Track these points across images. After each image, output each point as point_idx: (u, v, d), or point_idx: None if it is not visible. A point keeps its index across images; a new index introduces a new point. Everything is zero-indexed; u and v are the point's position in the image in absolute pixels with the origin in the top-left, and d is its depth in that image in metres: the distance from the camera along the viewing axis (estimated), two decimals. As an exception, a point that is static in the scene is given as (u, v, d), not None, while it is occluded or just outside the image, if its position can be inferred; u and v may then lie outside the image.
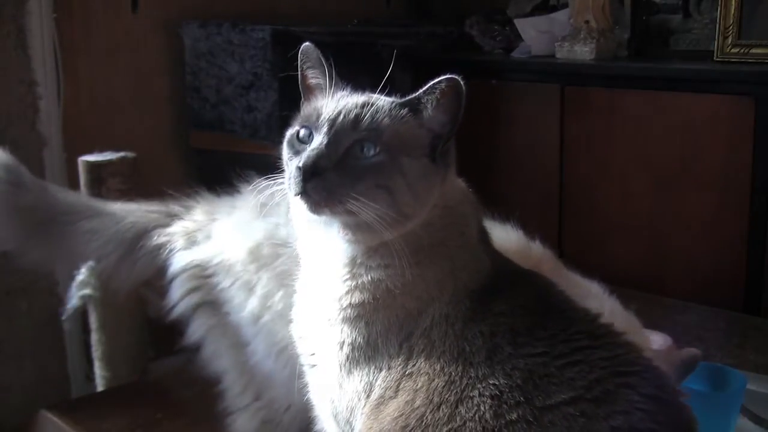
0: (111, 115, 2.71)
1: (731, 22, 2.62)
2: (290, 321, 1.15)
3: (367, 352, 1.01)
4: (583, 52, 2.84)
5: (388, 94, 1.05)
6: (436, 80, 0.98)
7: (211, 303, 1.46)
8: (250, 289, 1.38)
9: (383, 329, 1.01)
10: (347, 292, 1.02)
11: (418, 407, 0.95)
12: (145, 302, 1.74)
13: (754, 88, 2.43)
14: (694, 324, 2.11)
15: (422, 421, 0.94)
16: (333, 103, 1.02)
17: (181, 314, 1.47)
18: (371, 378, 1.00)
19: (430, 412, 0.94)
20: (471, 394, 0.93)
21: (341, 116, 0.99)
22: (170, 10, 2.82)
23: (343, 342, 1.02)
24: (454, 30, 3.28)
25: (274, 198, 1.03)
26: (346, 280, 1.02)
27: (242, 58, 2.63)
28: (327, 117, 0.99)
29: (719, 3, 2.66)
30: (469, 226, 1.06)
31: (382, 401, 0.98)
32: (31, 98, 2.45)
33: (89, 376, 2.31)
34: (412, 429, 0.94)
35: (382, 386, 0.99)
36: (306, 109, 1.05)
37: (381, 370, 1.00)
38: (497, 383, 0.92)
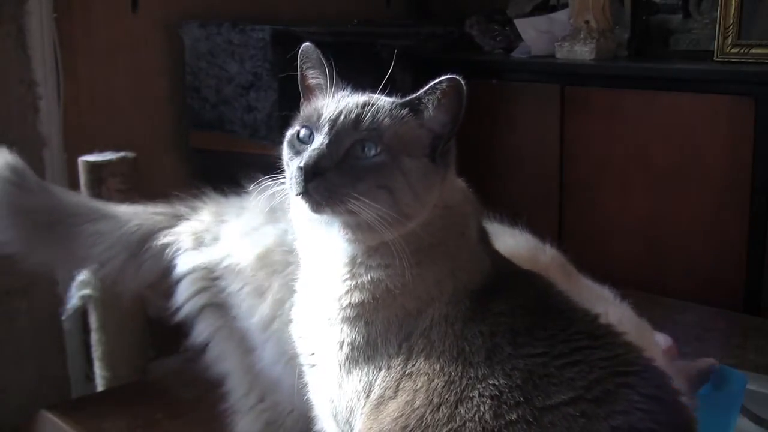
0: (111, 115, 2.71)
1: (731, 22, 2.62)
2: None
3: (366, 351, 1.01)
4: (583, 52, 2.84)
5: (389, 94, 1.05)
6: (437, 80, 0.98)
7: (218, 305, 1.45)
8: (260, 295, 1.37)
9: (383, 329, 1.01)
10: (347, 292, 1.02)
11: (417, 407, 0.95)
12: (146, 302, 1.74)
13: (754, 88, 2.43)
14: (694, 324, 2.11)
15: (422, 422, 0.94)
16: (333, 104, 1.02)
17: (187, 315, 1.46)
18: (371, 378, 1.00)
19: (430, 412, 0.94)
20: (471, 395, 0.93)
21: (342, 116, 0.99)
22: (170, 10, 2.82)
23: (343, 341, 1.02)
24: (454, 30, 3.28)
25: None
26: (346, 279, 1.02)
27: (242, 58, 2.63)
28: (328, 117, 0.99)
29: (719, 3, 2.66)
30: (469, 226, 1.06)
31: (381, 401, 0.98)
32: (31, 98, 2.45)
33: (89, 376, 2.31)
34: (412, 429, 0.94)
35: (382, 386, 0.99)
36: (306, 109, 1.05)
37: (380, 370, 1.00)
38: (497, 383, 0.93)
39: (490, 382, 0.93)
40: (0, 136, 2.34)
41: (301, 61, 1.08)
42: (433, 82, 0.99)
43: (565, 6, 3.05)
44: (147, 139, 2.76)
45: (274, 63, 2.54)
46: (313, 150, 0.96)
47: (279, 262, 1.36)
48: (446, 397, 0.94)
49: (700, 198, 2.56)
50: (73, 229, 1.50)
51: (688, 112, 2.57)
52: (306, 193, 0.95)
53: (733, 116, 2.47)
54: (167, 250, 1.48)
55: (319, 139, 0.98)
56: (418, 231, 1.00)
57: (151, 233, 1.50)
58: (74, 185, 2.06)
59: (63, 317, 1.98)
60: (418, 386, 0.96)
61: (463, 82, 0.97)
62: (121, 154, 2.01)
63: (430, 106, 1.00)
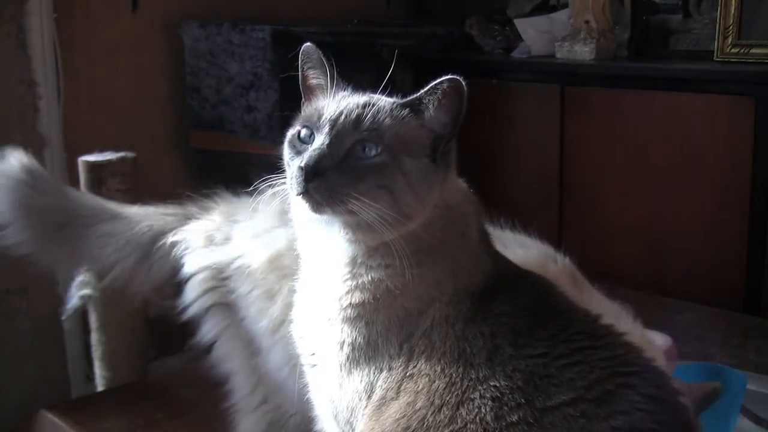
0: (111, 115, 2.71)
1: (731, 22, 2.62)
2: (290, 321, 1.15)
3: (367, 352, 1.01)
4: (583, 52, 2.84)
5: (389, 95, 1.05)
6: (438, 81, 0.98)
7: (226, 305, 1.44)
8: (270, 298, 1.36)
9: (383, 329, 1.01)
10: (347, 292, 1.02)
11: (419, 409, 0.95)
12: (146, 302, 1.74)
13: (754, 88, 2.43)
14: (694, 324, 2.11)
15: (423, 423, 0.94)
16: (334, 104, 1.01)
17: (195, 314, 1.46)
18: (372, 378, 1.00)
19: (432, 414, 0.94)
20: (472, 396, 0.93)
21: (343, 116, 0.99)
22: (170, 10, 2.82)
23: (344, 342, 1.02)
24: (454, 30, 3.29)
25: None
26: (347, 279, 1.02)
27: (242, 58, 2.63)
28: (328, 117, 0.99)
29: (719, 3, 2.66)
30: (470, 226, 1.06)
31: (383, 402, 0.98)
32: (31, 98, 2.45)
33: (89, 376, 2.31)
34: (413, 430, 0.94)
35: (384, 387, 0.99)
36: (307, 109, 1.05)
37: (382, 370, 1.00)
38: (498, 385, 0.92)
39: (491, 383, 0.93)
40: (0, 136, 2.36)
41: (302, 61, 1.08)
42: (433, 83, 0.99)
43: (565, 6, 3.05)
44: (147, 139, 2.76)
45: (274, 63, 2.55)
46: (314, 150, 0.96)
47: (290, 265, 1.34)
48: (447, 398, 0.94)
49: (700, 198, 2.56)
50: (85, 230, 1.51)
51: (688, 112, 2.57)
52: (306, 193, 0.95)
53: (733, 116, 2.47)
54: (176, 249, 1.48)
55: (320, 140, 0.98)
56: (418, 231, 1.00)
57: (162, 233, 1.50)
58: (74, 185, 2.05)
59: (63, 317, 1.98)
60: (420, 387, 0.96)
61: (464, 83, 0.97)
62: (121, 154, 2.01)
63: (430, 106, 1.00)
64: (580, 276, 1.39)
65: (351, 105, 1.00)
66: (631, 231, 2.72)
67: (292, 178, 0.97)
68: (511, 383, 0.92)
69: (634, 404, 0.90)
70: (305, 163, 0.95)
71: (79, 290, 1.87)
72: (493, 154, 3.00)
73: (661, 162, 2.64)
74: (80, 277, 1.84)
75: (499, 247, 1.15)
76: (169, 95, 2.89)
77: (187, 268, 1.46)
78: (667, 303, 2.28)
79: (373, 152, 0.97)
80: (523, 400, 0.91)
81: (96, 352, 2.05)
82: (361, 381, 1.01)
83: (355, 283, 1.02)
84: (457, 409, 0.93)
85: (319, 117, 1.00)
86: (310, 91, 1.08)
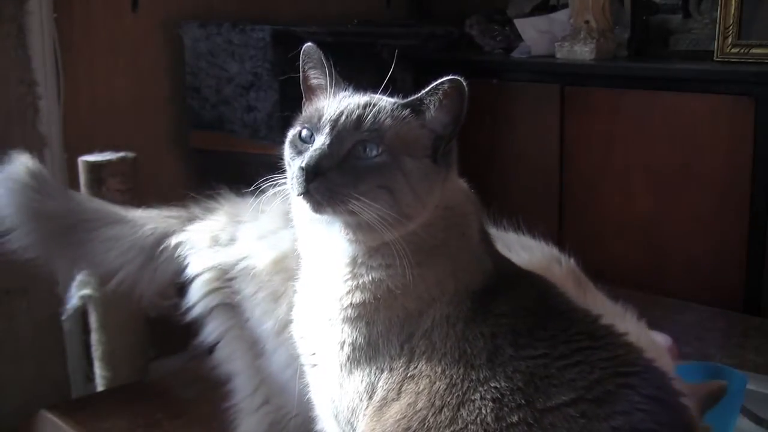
0: (111, 115, 2.71)
1: (731, 22, 2.62)
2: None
3: (368, 352, 1.01)
4: (583, 52, 2.84)
5: (389, 95, 1.05)
6: (439, 81, 0.98)
7: (230, 306, 1.44)
8: (275, 300, 1.36)
9: (384, 329, 1.01)
10: (348, 292, 1.02)
11: (420, 410, 0.95)
12: (150, 304, 1.74)
13: (754, 88, 2.43)
14: (694, 324, 2.11)
15: (424, 424, 0.94)
16: (335, 104, 1.01)
17: (198, 315, 1.46)
18: (373, 379, 1.00)
19: (432, 414, 0.94)
20: (472, 397, 0.93)
21: (343, 117, 0.99)
22: (170, 10, 2.82)
23: (344, 342, 1.02)
24: (454, 30, 3.28)
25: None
26: (347, 279, 1.02)
27: (242, 58, 2.63)
28: (329, 118, 0.99)
29: (719, 3, 2.66)
30: (470, 226, 1.06)
31: (384, 403, 0.98)
32: (31, 98, 2.44)
33: (89, 376, 2.31)
34: (414, 431, 0.94)
35: (385, 388, 0.99)
36: (308, 109, 1.05)
37: (383, 371, 1.00)
38: (498, 386, 0.93)
39: (492, 384, 0.93)
40: (0, 136, 2.36)
41: (302, 61, 1.08)
42: (434, 83, 0.99)
43: (565, 6, 3.05)
44: (147, 139, 2.76)
45: (274, 63, 2.55)
46: (315, 150, 0.96)
47: (295, 268, 1.35)
48: (448, 399, 0.94)
49: (700, 198, 2.56)
50: (90, 234, 1.51)
51: (688, 112, 2.57)
52: (307, 193, 0.95)
53: (733, 116, 2.47)
54: (180, 249, 1.48)
55: (321, 140, 0.98)
56: (419, 231, 1.00)
57: (166, 235, 1.50)
58: (74, 185, 2.06)
59: (63, 317, 1.98)
60: (420, 388, 0.96)
61: (464, 83, 0.97)
62: (121, 154, 2.01)
63: (431, 106, 1.00)
64: (584, 277, 1.38)
65: (352, 105, 1.00)
66: (631, 231, 2.72)
67: (292, 178, 0.97)
68: (511, 384, 0.92)
69: (634, 404, 0.90)
70: (306, 163, 0.95)
71: (79, 290, 1.87)
72: (493, 154, 3.00)
73: (661, 162, 2.64)
74: (80, 277, 1.85)
75: (502, 249, 1.15)
76: (169, 95, 2.89)
77: (192, 268, 1.46)
78: (667, 303, 2.28)
79: (374, 152, 0.97)
80: (523, 401, 0.91)
81: (96, 352, 2.05)
82: (362, 381, 1.01)
83: (355, 283, 1.02)
84: (458, 410, 0.93)
85: (320, 117, 1.00)
86: (311, 91, 1.08)
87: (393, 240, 0.97)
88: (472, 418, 0.92)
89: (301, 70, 1.08)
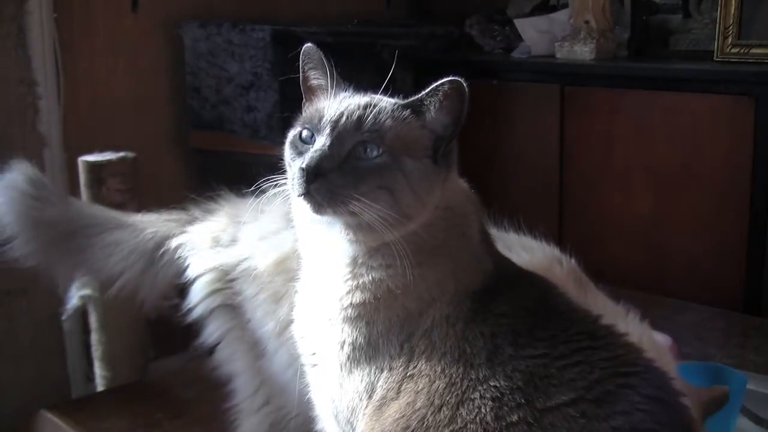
0: (111, 115, 2.71)
1: (731, 22, 2.62)
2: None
3: (368, 352, 1.01)
4: (583, 52, 2.84)
5: (389, 95, 1.05)
6: (439, 82, 0.98)
7: (231, 307, 1.44)
8: (277, 301, 1.36)
9: (384, 329, 1.01)
10: (348, 292, 1.02)
11: (419, 409, 0.95)
12: (153, 307, 1.74)
13: (754, 88, 2.43)
14: (694, 324, 2.11)
15: (423, 423, 0.94)
16: (335, 104, 1.01)
17: (200, 316, 1.46)
18: (372, 378, 1.00)
19: (432, 414, 0.94)
20: (472, 396, 0.93)
21: (344, 117, 0.99)
22: (170, 10, 2.82)
23: (344, 341, 1.02)
24: (454, 30, 3.28)
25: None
26: (348, 279, 1.02)
27: (242, 58, 2.63)
28: (329, 118, 0.99)
29: (719, 3, 2.66)
30: (471, 226, 1.06)
31: (383, 402, 0.98)
32: (31, 98, 2.45)
33: (89, 376, 2.31)
34: (413, 430, 0.94)
35: (384, 387, 0.99)
36: (308, 110, 1.05)
37: (382, 370, 1.00)
38: (498, 385, 0.93)
39: (492, 383, 0.93)
40: (0, 136, 2.36)
41: (302, 61, 1.08)
42: (435, 84, 0.99)
43: (565, 6, 3.05)
44: (147, 139, 2.76)
45: (274, 63, 2.55)
46: (315, 151, 0.96)
47: (296, 269, 1.35)
48: (447, 398, 0.94)
49: (700, 198, 2.56)
50: (90, 240, 1.51)
51: (688, 112, 2.57)
52: (308, 194, 0.95)
53: (733, 116, 2.47)
54: (180, 251, 1.48)
55: (321, 141, 0.98)
56: (419, 231, 1.00)
57: (166, 239, 1.50)
58: (74, 185, 2.06)
59: (63, 317, 1.98)
60: (420, 388, 0.96)
61: (465, 84, 0.97)
62: (121, 154, 2.01)
63: (432, 107, 1.00)
64: (585, 278, 1.38)
65: (352, 106, 1.00)
66: (631, 231, 2.72)
67: (293, 179, 0.97)
68: (511, 383, 0.92)
69: (634, 405, 0.90)
70: (306, 164, 0.95)
71: (79, 290, 1.87)
72: (493, 154, 3.00)
73: (661, 162, 2.64)
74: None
75: (503, 249, 1.15)
76: (169, 95, 2.89)
77: (193, 269, 1.46)
78: (667, 303, 2.28)
79: (375, 153, 0.97)
80: (523, 401, 0.91)
81: (96, 352, 2.05)
82: (362, 381, 1.01)
83: (355, 283, 1.02)
84: (457, 409, 0.93)
85: (320, 118, 1.00)
86: (311, 92, 1.08)
87: (393, 240, 0.97)
88: (472, 417, 0.92)
89: (301, 71, 1.08)
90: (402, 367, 0.99)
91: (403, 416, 0.96)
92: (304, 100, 1.09)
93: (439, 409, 0.94)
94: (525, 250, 1.37)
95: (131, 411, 1.78)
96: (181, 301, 1.47)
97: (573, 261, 1.40)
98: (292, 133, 1.04)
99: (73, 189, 2.01)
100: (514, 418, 0.90)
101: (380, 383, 0.99)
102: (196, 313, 1.45)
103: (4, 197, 1.49)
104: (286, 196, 1.02)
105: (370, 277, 1.01)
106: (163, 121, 2.89)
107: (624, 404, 0.90)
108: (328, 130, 0.98)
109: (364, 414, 1.00)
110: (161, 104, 2.87)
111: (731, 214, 2.49)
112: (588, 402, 0.90)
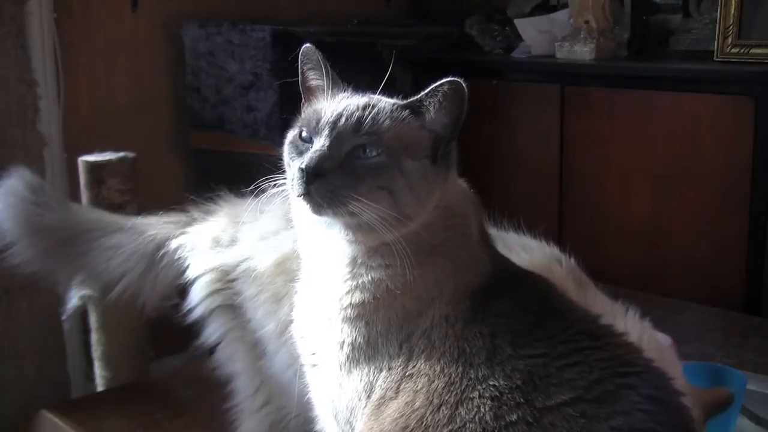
0: (111, 115, 2.71)
1: (731, 22, 2.62)
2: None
3: (367, 351, 1.01)
4: (583, 52, 2.85)
5: (389, 95, 1.05)
6: (439, 83, 0.98)
7: (231, 307, 1.43)
8: (277, 301, 1.35)
9: (383, 329, 1.01)
10: (348, 292, 1.02)
11: (418, 408, 0.95)
12: (155, 309, 1.74)
13: (754, 88, 2.43)
14: (694, 324, 2.11)
15: (422, 422, 0.94)
16: (334, 105, 1.01)
17: (200, 316, 1.46)
18: (371, 378, 1.00)
19: (431, 413, 0.94)
20: (471, 396, 0.93)
21: (343, 118, 0.99)
22: (170, 10, 2.83)
23: (343, 341, 1.02)
24: (454, 30, 3.29)
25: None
26: (347, 279, 1.02)
27: (242, 58, 2.63)
28: (328, 120, 0.99)
29: (719, 3, 2.66)
30: (470, 226, 1.06)
31: (382, 402, 0.98)
32: (31, 98, 2.44)
33: (89, 376, 2.31)
34: (412, 430, 0.94)
35: (383, 387, 0.99)
36: (307, 110, 1.05)
37: (381, 370, 1.00)
38: (497, 384, 0.93)
39: (491, 383, 0.93)
40: (0, 136, 2.36)
41: (301, 62, 1.08)
42: (434, 85, 0.98)
43: (565, 6, 3.05)
44: (147, 139, 2.76)
45: (274, 63, 2.55)
46: (315, 152, 0.96)
47: (297, 270, 1.34)
48: (446, 398, 0.94)
49: (700, 198, 2.56)
50: (90, 245, 1.51)
51: (688, 112, 2.57)
52: (308, 194, 0.95)
53: (733, 116, 2.47)
54: (180, 252, 1.48)
55: (321, 141, 0.98)
56: (419, 231, 1.00)
57: (166, 240, 1.50)
58: (74, 185, 2.06)
59: (63, 317, 1.97)
60: (419, 387, 0.96)
61: (464, 85, 0.97)
62: (121, 154, 2.01)
63: (431, 108, 1.00)
64: (585, 277, 1.38)
65: (351, 107, 1.00)
66: (631, 231, 2.72)
67: (293, 180, 0.97)
68: (510, 383, 0.92)
69: (634, 404, 0.90)
70: (306, 165, 0.95)
71: (78, 290, 1.87)
72: (493, 154, 3.00)
73: (661, 162, 2.64)
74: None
75: (502, 249, 1.15)
76: (169, 95, 2.89)
77: (193, 270, 1.46)
78: (667, 303, 2.28)
79: (374, 153, 0.97)
80: (522, 400, 0.91)
81: (96, 352, 2.05)
82: (361, 380, 1.01)
83: (355, 283, 1.02)
84: (456, 408, 0.93)
85: (319, 119, 1.00)
86: (310, 92, 1.08)
87: (393, 240, 0.97)
88: (471, 416, 0.92)
89: (299, 71, 1.08)
90: (401, 367, 0.99)
91: (402, 416, 0.96)
92: (302, 100, 1.09)
93: (438, 409, 0.94)
94: (524, 250, 1.37)
95: (131, 411, 1.78)
96: (182, 302, 1.47)
97: (572, 261, 1.39)
98: (291, 134, 1.04)
99: (73, 189, 2.02)
100: (513, 417, 0.90)
101: (379, 383, 0.99)
102: (196, 314, 1.45)
103: (4, 203, 1.50)
104: (286, 196, 1.02)
105: (370, 277, 1.01)
106: (163, 121, 2.89)
107: (623, 404, 0.90)
108: (327, 131, 0.98)
109: (363, 414, 1.00)
110: (161, 104, 2.88)
111: (731, 214, 2.49)
112: (587, 402, 0.90)
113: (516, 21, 3.17)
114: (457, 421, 0.92)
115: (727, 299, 2.46)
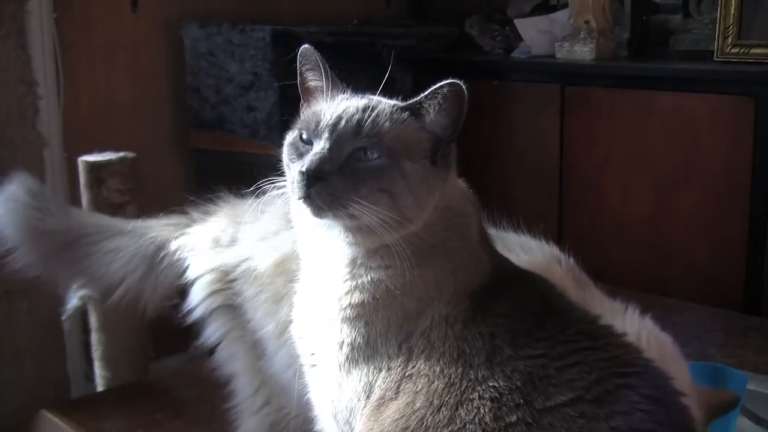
0: (111, 115, 2.71)
1: (731, 22, 2.62)
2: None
3: (366, 352, 1.01)
4: (583, 52, 2.84)
5: (389, 95, 1.05)
6: (439, 85, 0.98)
7: (231, 307, 1.44)
8: (277, 301, 1.35)
9: (383, 329, 1.01)
10: (347, 292, 1.02)
11: (418, 409, 0.95)
12: (156, 311, 1.74)
13: (754, 88, 2.43)
14: (694, 324, 2.11)
15: (422, 423, 0.94)
16: (334, 107, 1.01)
17: (200, 317, 1.46)
18: (371, 378, 1.00)
19: (430, 414, 0.94)
20: (471, 397, 0.93)
21: (343, 121, 0.99)
22: (170, 10, 2.82)
23: (343, 342, 1.02)
24: (454, 30, 3.28)
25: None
26: (347, 280, 1.02)
27: (242, 58, 2.63)
28: (328, 122, 0.99)
29: (719, 3, 2.66)
30: (470, 226, 1.06)
31: (382, 402, 0.98)
32: (31, 98, 2.45)
33: (89, 376, 2.31)
34: (412, 431, 0.94)
35: (383, 387, 0.99)
36: (306, 112, 1.05)
37: (381, 370, 1.00)
38: (497, 385, 0.93)
39: (490, 384, 0.93)
40: (0, 136, 2.36)
41: (300, 63, 1.07)
42: (434, 87, 0.98)
43: (565, 6, 3.05)
44: (147, 139, 2.76)
45: (274, 63, 2.55)
46: (315, 154, 0.96)
47: (296, 270, 1.34)
48: (446, 399, 0.94)
49: (700, 198, 2.56)
50: (91, 248, 1.52)
51: (688, 112, 2.57)
52: (308, 197, 0.95)
53: (733, 116, 2.47)
54: (180, 252, 1.48)
55: (321, 144, 0.98)
56: (419, 232, 1.00)
57: (166, 242, 1.50)
58: (74, 185, 2.06)
59: (63, 317, 1.98)
60: (419, 388, 0.96)
61: (464, 87, 0.97)
62: (121, 154, 2.01)
63: (431, 110, 0.99)
64: (584, 277, 1.38)
65: (351, 109, 1.00)
66: (631, 231, 2.72)
67: (293, 182, 0.96)
68: (510, 384, 0.92)
69: (633, 405, 0.90)
70: (307, 168, 0.94)
71: (78, 290, 1.87)
72: (493, 154, 3.00)
73: (661, 162, 2.64)
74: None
75: (502, 249, 1.15)
76: (169, 95, 2.89)
77: (193, 270, 1.46)
78: (667, 303, 2.28)
79: (374, 155, 0.97)
80: (522, 401, 0.91)
81: (96, 352, 2.05)
82: (360, 381, 1.01)
83: (354, 283, 1.02)
84: (456, 409, 0.93)
85: (319, 121, 1.00)
86: (309, 93, 1.08)
87: (393, 242, 0.97)
88: (471, 417, 0.92)
89: (298, 72, 1.08)
90: (400, 368, 0.99)
91: (402, 416, 0.96)
92: (301, 101, 1.09)
93: (438, 410, 0.94)
94: (524, 250, 1.37)
95: (131, 411, 1.78)
96: (182, 302, 1.47)
97: (572, 261, 1.39)
98: (290, 135, 1.03)
99: (73, 189, 2.02)
100: (513, 418, 0.90)
101: (378, 383, 0.99)
102: (196, 314, 1.45)
103: (5, 209, 1.50)
104: (286, 196, 1.02)
105: (369, 278, 1.01)
106: (163, 121, 2.89)
107: (623, 404, 0.90)
108: (327, 134, 0.98)
109: (362, 414, 1.00)
110: (161, 104, 2.88)
111: (731, 214, 2.49)
112: (587, 402, 0.90)
113: (516, 21, 3.17)
114: (457, 422, 0.92)
115: (727, 299, 2.46)
